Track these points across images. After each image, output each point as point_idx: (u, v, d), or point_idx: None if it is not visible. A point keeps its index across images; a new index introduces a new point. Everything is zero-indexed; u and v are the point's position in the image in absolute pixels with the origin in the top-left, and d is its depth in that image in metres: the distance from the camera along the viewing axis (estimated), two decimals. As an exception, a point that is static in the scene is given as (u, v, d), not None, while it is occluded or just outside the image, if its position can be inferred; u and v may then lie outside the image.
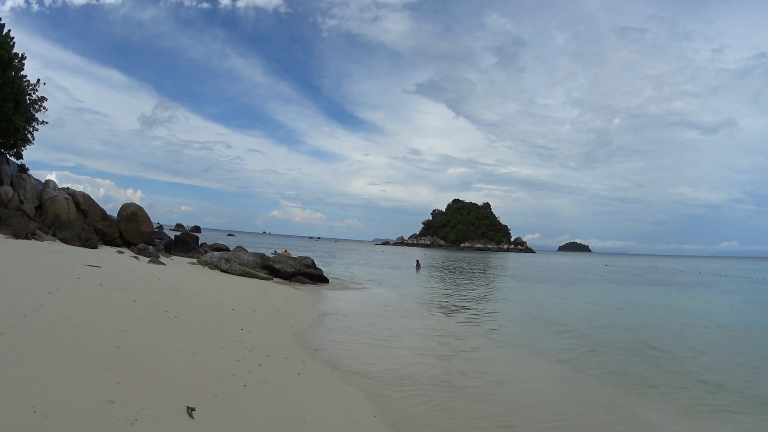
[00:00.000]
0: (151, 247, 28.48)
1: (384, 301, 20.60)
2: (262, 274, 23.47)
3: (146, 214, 33.00)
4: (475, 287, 31.40)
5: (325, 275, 25.85)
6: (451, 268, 55.49)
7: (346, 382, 8.16)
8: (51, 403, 4.88)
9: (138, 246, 27.91)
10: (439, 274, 42.74)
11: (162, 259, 26.43)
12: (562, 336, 14.74)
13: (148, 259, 24.02)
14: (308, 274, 24.59)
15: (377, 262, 57.95)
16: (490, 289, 30.86)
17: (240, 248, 36.45)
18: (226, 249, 34.87)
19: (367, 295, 22.51)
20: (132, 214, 31.71)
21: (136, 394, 5.57)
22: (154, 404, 5.42)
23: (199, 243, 38.26)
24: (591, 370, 10.78)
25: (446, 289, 28.76)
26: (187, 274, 20.44)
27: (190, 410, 5.44)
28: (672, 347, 13.58)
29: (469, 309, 19.92)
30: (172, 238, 35.46)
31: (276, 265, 24.77)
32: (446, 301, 22.22)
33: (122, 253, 25.69)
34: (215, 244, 37.86)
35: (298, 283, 23.47)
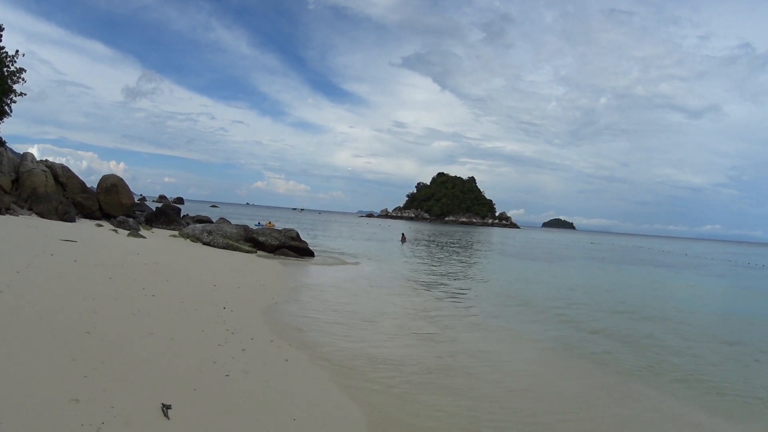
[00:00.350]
0: (131, 219, 27.60)
1: (370, 276, 20.09)
2: (245, 247, 22.81)
3: (126, 186, 31.97)
4: (461, 263, 31.08)
5: (311, 248, 25.24)
6: (436, 242, 55.26)
7: (335, 372, 7.60)
8: (7, 405, 4.27)
9: (117, 219, 27.01)
10: (424, 249, 42.36)
11: (142, 231, 25.62)
12: (553, 319, 14.28)
13: (128, 232, 23.21)
14: (293, 247, 23.95)
15: (362, 235, 57.49)
16: (478, 266, 30.51)
17: (223, 220, 35.62)
18: (209, 221, 34.02)
19: (353, 270, 21.93)
20: (111, 185, 30.69)
21: (104, 391, 4.97)
22: (124, 402, 4.83)
23: (181, 215, 37.35)
24: (587, 355, 10.32)
25: (432, 265, 28.34)
26: (167, 248, 19.73)
27: (166, 408, 4.86)
28: (666, 334, 13.06)
29: (455, 287, 19.48)
30: (154, 210, 34.47)
31: (260, 238, 24.06)
32: (432, 278, 21.75)
33: (101, 226, 24.80)
34: (197, 216, 36.95)
35: (282, 257, 22.84)
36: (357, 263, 24.77)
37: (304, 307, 12.22)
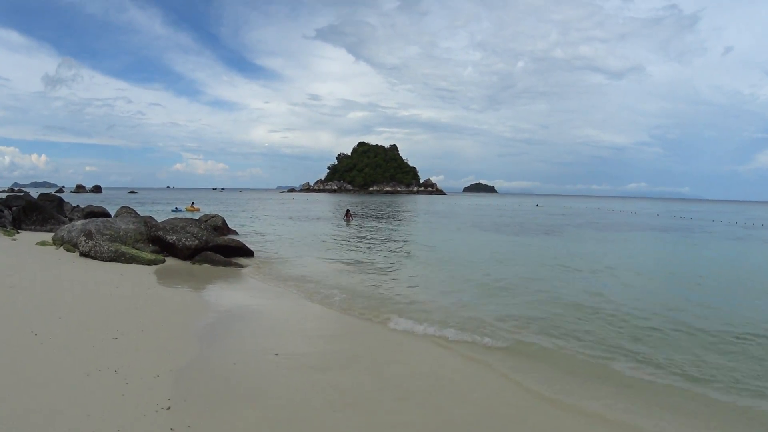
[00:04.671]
0: (-19, 221, 18.70)
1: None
2: (146, 256, 14.48)
3: (-19, 174, 22.54)
4: (450, 248, 21.82)
5: (246, 245, 17.37)
6: (380, 216, 48.06)
7: None
8: None
9: (-38, 221, 18.05)
10: (376, 225, 34.79)
11: (1, 238, 17.00)
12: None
13: (-37, 243, 14.66)
14: (221, 247, 15.97)
15: (295, 213, 49.65)
16: (477, 252, 20.79)
17: (126, 210, 26.63)
18: (103, 213, 25.06)
19: (325, 308, 13.63)
20: (-42, 174, 21.31)
21: None
22: None
23: (70, 207, 28.08)
24: None
25: (427, 261, 18.80)
26: (13, 272, 11.45)
27: None
28: None
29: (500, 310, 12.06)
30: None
31: (168, 237, 15.49)
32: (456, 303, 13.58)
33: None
34: (88, 206, 27.65)
35: (207, 265, 14.86)
36: (315, 264, 17.20)
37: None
